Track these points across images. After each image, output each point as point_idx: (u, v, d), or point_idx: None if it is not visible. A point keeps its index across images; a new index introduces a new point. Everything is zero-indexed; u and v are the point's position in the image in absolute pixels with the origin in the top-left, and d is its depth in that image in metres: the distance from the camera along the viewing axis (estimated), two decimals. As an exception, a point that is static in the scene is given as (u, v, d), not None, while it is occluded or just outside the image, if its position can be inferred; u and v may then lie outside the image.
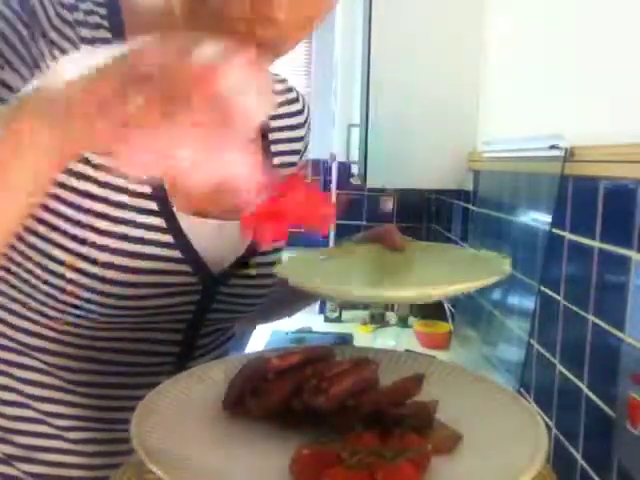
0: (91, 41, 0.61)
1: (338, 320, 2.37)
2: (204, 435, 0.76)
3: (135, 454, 0.74)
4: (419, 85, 1.85)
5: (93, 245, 0.60)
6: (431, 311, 2.19)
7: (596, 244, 0.97)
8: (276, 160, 0.77)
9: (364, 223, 2.59)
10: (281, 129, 0.78)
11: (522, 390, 1.24)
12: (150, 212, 0.63)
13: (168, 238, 0.64)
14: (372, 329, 2.26)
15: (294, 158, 0.80)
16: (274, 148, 0.77)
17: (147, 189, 0.62)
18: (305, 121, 0.82)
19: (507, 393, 0.92)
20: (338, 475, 0.67)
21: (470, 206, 1.84)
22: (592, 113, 1.06)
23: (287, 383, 0.83)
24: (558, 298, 1.11)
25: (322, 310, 2.46)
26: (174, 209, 0.64)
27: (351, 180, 2.47)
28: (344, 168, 2.47)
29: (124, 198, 0.61)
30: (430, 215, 2.54)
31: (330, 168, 3.01)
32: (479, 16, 1.81)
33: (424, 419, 0.81)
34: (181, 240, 0.65)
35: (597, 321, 0.95)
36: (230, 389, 0.88)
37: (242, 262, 0.72)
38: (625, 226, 0.86)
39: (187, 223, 0.66)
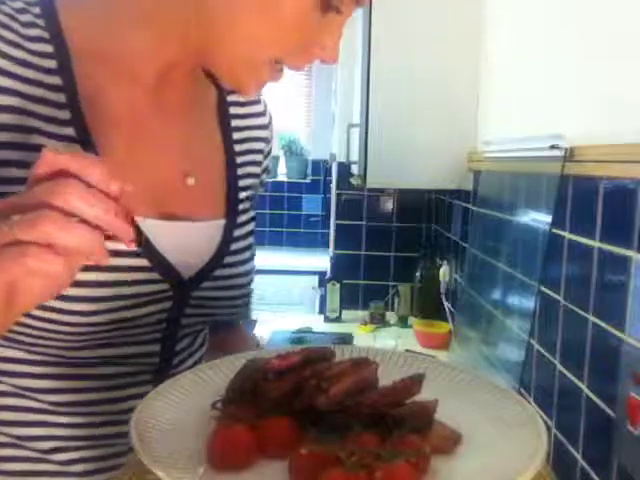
0: (29, 39, 0.60)
1: (338, 320, 2.37)
2: (204, 435, 0.76)
3: (135, 455, 0.74)
4: (419, 85, 1.85)
5: None
6: (431, 311, 2.19)
7: (596, 244, 0.97)
8: (239, 159, 0.77)
9: (364, 223, 2.59)
10: (245, 128, 0.78)
11: (522, 390, 1.24)
12: None
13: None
14: (372, 329, 2.26)
15: (258, 157, 0.80)
16: (238, 148, 0.77)
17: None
18: (269, 122, 0.83)
19: (507, 393, 0.92)
20: (337, 476, 0.67)
21: (470, 206, 1.84)
22: (592, 113, 1.06)
23: (287, 383, 0.83)
24: (558, 298, 1.11)
25: (322, 310, 2.46)
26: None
27: (351, 180, 2.46)
28: (344, 168, 2.47)
29: None
30: (430, 215, 2.54)
31: (330, 168, 3.01)
32: (479, 16, 1.81)
33: (424, 419, 0.81)
34: (147, 246, 0.63)
35: (597, 321, 0.95)
36: (230, 389, 0.88)
37: (213, 264, 0.70)
38: (625, 226, 0.86)
39: (152, 228, 0.63)
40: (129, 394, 0.70)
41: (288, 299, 3.42)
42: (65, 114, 0.61)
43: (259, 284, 3.41)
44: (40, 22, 0.61)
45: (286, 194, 4.07)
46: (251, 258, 0.76)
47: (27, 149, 0.58)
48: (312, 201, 4.05)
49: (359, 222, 2.59)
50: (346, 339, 2.12)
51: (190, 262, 0.67)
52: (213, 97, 0.75)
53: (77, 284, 0.58)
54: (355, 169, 2.11)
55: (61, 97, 0.61)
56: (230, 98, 0.77)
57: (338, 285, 2.37)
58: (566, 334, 1.09)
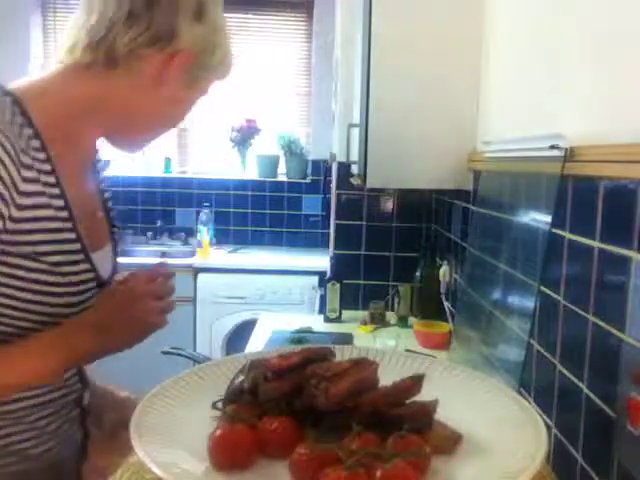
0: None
1: (338, 320, 2.37)
2: (204, 435, 0.76)
3: (135, 454, 0.74)
4: (419, 85, 1.84)
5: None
6: (431, 311, 2.19)
7: (596, 244, 0.97)
8: (107, 201, 1.08)
9: (364, 223, 2.59)
10: (103, 177, 1.10)
11: (522, 390, 1.24)
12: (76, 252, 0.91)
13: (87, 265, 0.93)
14: (372, 329, 2.26)
15: (108, 189, 1.10)
16: (105, 195, 1.08)
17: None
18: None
19: (507, 393, 0.92)
20: (337, 476, 0.67)
21: (470, 206, 1.84)
22: (592, 113, 1.06)
23: (287, 383, 0.83)
24: (558, 298, 1.11)
25: (322, 310, 2.46)
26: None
27: (351, 180, 2.46)
28: (344, 168, 2.47)
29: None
30: (430, 215, 2.54)
31: (330, 168, 3.01)
32: (479, 16, 1.81)
33: (424, 419, 0.81)
34: (93, 265, 0.94)
35: (597, 321, 0.95)
36: (230, 389, 0.88)
37: (113, 272, 1.03)
38: (625, 226, 0.86)
39: (95, 258, 0.95)
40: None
41: (288, 299, 3.42)
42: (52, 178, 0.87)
43: (259, 284, 3.42)
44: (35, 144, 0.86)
45: (286, 194, 4.07)
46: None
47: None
48: (312, 201, 4.05)
49: (359, 222, 2.59)
50: (346, 339, 2.12)
51: (105, 273, 0.99)
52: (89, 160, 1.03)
53: (70, 292, 0.91)
54: (355, 169, 2.11)
55: (51, 178, 0.86)
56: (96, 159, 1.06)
57: (338, 285, 2.37)
58: (566, 334, 1.09)
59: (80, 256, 0.90)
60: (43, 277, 0.85)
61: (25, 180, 0.81)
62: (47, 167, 0.85)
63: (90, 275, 0.93)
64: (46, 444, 0.94)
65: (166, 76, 0.90)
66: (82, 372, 1.01)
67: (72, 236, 0.88)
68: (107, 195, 1.08)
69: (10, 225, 0.80)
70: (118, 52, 0.87)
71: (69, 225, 0.88)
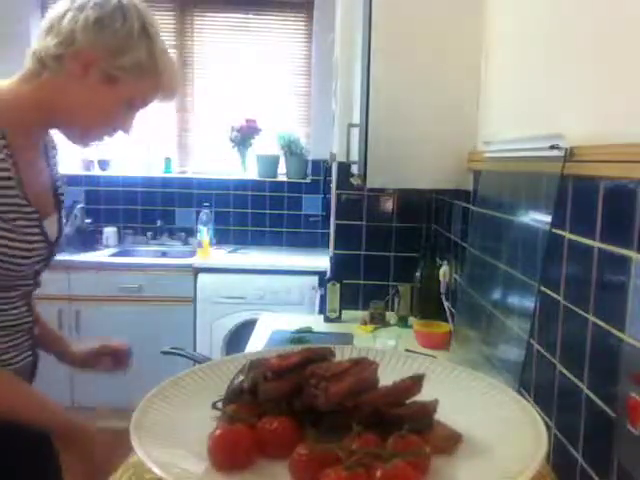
0: None
1: (338, 320, 2.37)
2: (204, 435, 0.76)
3: (135, 454, 0.74)
4: (419, 85, 1.84)
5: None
6: (431, 311, 2.19)
7: (596, 244, 0.97)
8: (54, 168, 1.31)
9: (364, 223, 2.59)
10: (53, 155, 1.33)
11: (522, 390, 1.24)
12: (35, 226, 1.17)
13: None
14: (372, 329, 2.26)
15: (57, 169, 1.33)
16: (54, 170, 1.32)
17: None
18: (56, 148, 1.37)
19: (507, 393, 0.92)
20: (337, 476, 0.67)
21: (470, 206, 1.84)
22: (592, 113, 1.06)
23: (287, 383, 0.83)
24: (558, 298, 1.11)
25: (322, 310, 2.46)
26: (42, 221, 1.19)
27: (351, 180, 2.46)
28: (344, 168, 2.47)
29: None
30: (430, 215, 2.54)
31: (330, 168, 3.01)
32: (479, 16, 1.81)
33: (424, 419, 0.81)
34: (44, 232, 1.20)
35: (597, 321, 0.95)
36: (230, 389, 0.88)
37: (58, 235, 1.28)
38: (625, 226, 0.86)
39: (46, 223, 1.20)
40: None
41: (288, 299, 3.42)
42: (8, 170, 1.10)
43: (259, 284, 3.42)
44: None
45: (286, 194, 4.07)
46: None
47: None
48: (312, 201, 4.05)
49: (359, 222, 2.59)
50: (346, 339, 2.12)
51: (52, 236, 1.24)
52: (42, 146, 1.28)
53: (24, 248, 1.14)
54: (355, 169, 2.11)
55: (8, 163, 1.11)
56: (47, 140, 1.30)
57: (338, 285, 2.37)
58: (566, 334, 1.09)
59: (35, 222, 1.16)
60: (9, 235, 1.10)
61: None
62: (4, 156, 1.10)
63: (41, 237, 1.19)
64: (9, 354, 1.21)
65: (79, 71, 1.13)
66: (31, 309, 1.27)
67: (28, 207, 1.14)
68: (56, 174, 1.32)
69: None
70: (43, 57, 1.13)
71: (24, 201, 1.14)
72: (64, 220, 1.32)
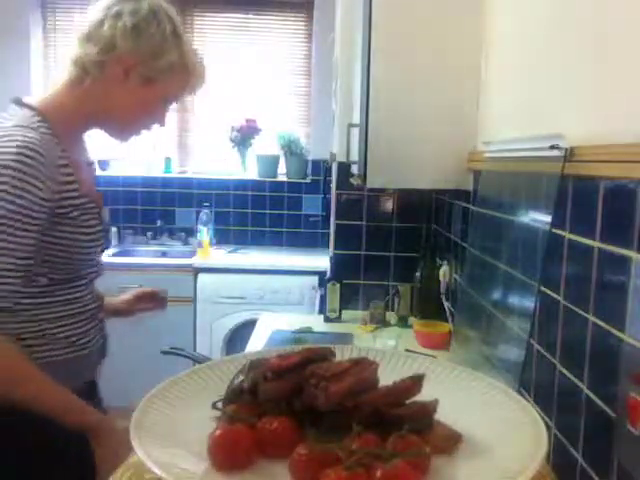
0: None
1: (338, 320, 2.37)
2: (204, 435, 0.76)
3: (135, 454, 0.74)
4: (419, 85, 1.84)
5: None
6: (431, 311, 2.19)
7: (596, 244, 0.97)
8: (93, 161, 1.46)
9: (364, 223, 2.59)
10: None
11: (522, 390, 1.24)
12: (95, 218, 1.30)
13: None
14: (372, 329, 2.26)
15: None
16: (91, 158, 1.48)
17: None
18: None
19: (507, 393, 0.92)
20: (337, 476, 0.67)
21: (470, 206, 1.84)
22: (592, 113, 1.06)
23: (287, 383, 0.83)
24: (558, 298, 1.11)
25: (322, 310, 2.46)
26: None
27: (351, 180, 2.46)
28: (344, 168, 2.47)
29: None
30: (430, 215, 2.54)
31: (330, 168, 3.01)
32: (479, 16, 1.81)
33: (424, 419, 0.81)
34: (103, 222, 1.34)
35: (597, 321, 0.95)
36: (230, 389, 0.88)
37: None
38: (625, 226, 0.86)
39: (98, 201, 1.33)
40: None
41: (288, 299, 3.42)
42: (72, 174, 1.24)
43: (259, 284, 3.42)
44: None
45: (286, 194, 4.07)
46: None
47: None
48: (312, 201, 4.05)
49: (359, 222, 2.59)
50: (346, 339, 2.12)
51: (106, 224, 1.39)
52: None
53: (92, 245, 1.29)
54: (355, 169, 2.11)
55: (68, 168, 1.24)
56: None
57: (338, 285, 2.37)
58: (566, 334, 1.09)
59: (95, 215, 1.29)
60: (78, 230, 1.24)
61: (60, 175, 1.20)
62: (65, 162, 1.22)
63: (100, 227, 1.31)
64: (85, 339, 1.32)
65: (121, 75, 1.24)
66: (95, 294, 1.38)
67: (90, 204, 1.27)
68: (94, 167, 1.47)
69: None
70: (85, 64, 1.23)
71: (86, 199, 1.26)
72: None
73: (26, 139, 1.14)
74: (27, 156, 1.12)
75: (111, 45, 1.22)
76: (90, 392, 1.37)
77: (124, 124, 1.32)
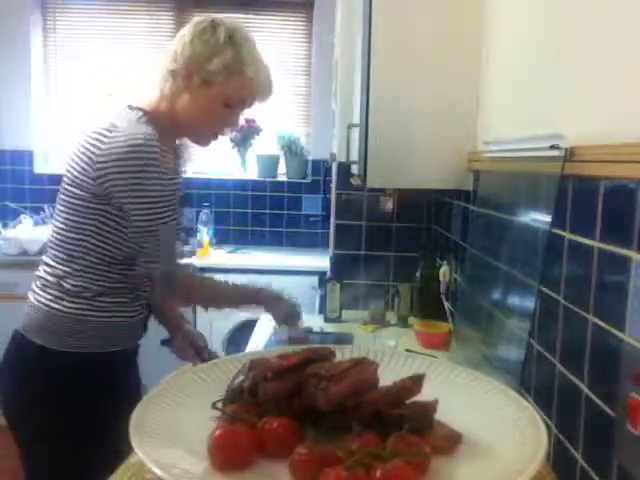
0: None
1: (338, 320, 2.37)
2: (204, 435, 0.76)
3: (135, 454, 0.74)
4: (419, 85, 1.84)
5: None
6: (431, 311, 2.19)
7: (596, 244, 0.97)
8: (181, 168, 1.65)
9: (364, 223, 2.59)
10: (186, 158, 1.70)
11: (522, 390, 1.24)
12: None
13: None
14: (372, 329, 2.26)
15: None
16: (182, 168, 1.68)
17: None
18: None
19: (507, 393, 0.92)
20: (337, 476, 0.67)
21: (470, 206, 1.84)
22: (592, 113, 1.06)
23: (287, 383, 0.83)
24: (558, 298, 1.11)
25: (322, 310, 2.46)
26: None
27: (351, 180, 2.46)
28: (344, 168, 2.47)
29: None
30: (430, 215, 2.54)
31: (330, 168, 3.01)
32: (479, 16, 1.81)
33: (424, 419, 0.81)
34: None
35: (597, 321, 0.95)
36: (230, 389, 0.88)
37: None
38: (625, 226, 0.86)
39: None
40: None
41: (288, 299, 3.42)
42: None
43: (259, 284, 3.41)
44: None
45: (286, 194, 4.07)
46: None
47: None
48: (312, 201, 4.05)
49: (359, 222, 2.59)
50: (346, 339, 2.12)
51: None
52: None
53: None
54: (355, 169, 2.11)
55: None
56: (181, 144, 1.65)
57: (338, 285, 2.37)
58: (566, 334, 1.09)
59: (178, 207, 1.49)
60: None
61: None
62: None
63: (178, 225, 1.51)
64: (133, 311, 1.54)
65: (185, 81, 1.42)
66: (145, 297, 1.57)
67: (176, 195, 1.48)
68: (181, 175, 1.65)
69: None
70: (165, 75, 1.44)
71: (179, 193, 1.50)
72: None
73: (141, 132, 1.35)
74: (152, 146, 1.34)
75: (177, 55, 1.41)
76: (135, 354, 1.64)
77: (193, 127, 1.47)
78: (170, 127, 1.46)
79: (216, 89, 1.41)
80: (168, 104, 1.45)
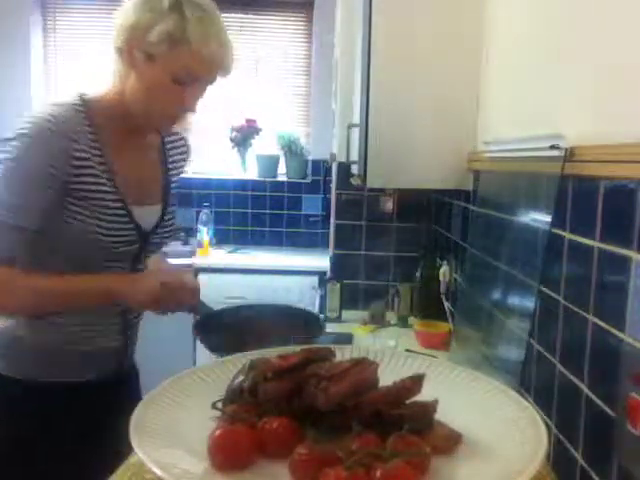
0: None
1: (338, 320, 2.37)
2: (204, 435, 0.76)
3: (135, 454, 0.74)
4: (419, 85, 1.84)
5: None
6: (431, 311, 2.19)
7: (596, 244, 0.97)
8: (170, 173, 1.46)
9: (364, 223, 2.59)
10: (174, 155, 1.49)
11: (522, 390, 1.24)
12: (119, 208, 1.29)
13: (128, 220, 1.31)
14: (372, 329, 2.26)
15: (180, 170, 1.53)
16: (170, 166, 1.48)
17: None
18: (187, 150, 1.58)
19: (507, 393, 0.92)
20: (337, 476, 0.67)
21: (470, 206, 1.84)
22: (592, 113, 1.06)
23: (287, 383, 0.83)
24: (558, 298, 1.11)
25: (322, 310, 2.46)
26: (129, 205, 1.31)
27: (351, 180, 2.46)
28: (344, 168, 2.47)
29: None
30: (430, 215, 2.54)
31: (330, 168, 3.01)
32: (479, 16, 1.81)
33: (424, 419, 0.81)
34: (132, 217, 1.31)
35: (597, 321, 0.95)
36: (230, 389, 0.88)
37: (157, 225, 1.39)
38: (625, 226, 0.86)
39: (135, 211, 1.32)
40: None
41: (288, 299, 3.42)
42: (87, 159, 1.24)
43: (259, 284, 3.42)
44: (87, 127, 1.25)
45: (286, 194, 4.07)
46: (171, 224, 1.45)
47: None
48: (312, 201, 4.05)
49: (359, 222, 2.59)
50: (346, 339, 2.12)
51: (149, 224, 1.36)
52: (158, 142, 1.45)
53: (105, 233, 1.26)
54: (355, 169, 2.11)
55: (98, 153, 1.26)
56: (166, 141, 1.47)
57: (338, 285, 2.37)
58: (566, 334, 1.09)
59: (118, 204, 1.27)
60: (84, 212, 1.23)
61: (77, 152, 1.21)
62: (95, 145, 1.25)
63: (126, 219, 1.29)
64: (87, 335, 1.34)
65: (128, 56, 1.22)
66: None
67: (112, 194, 1.26)
68: (173, 171, 1.47)
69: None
70: (113, 54, 1.27)
71: (108, 187, 1.26)
72: (169, 213, 1.42)
73: (46, 111, 1.20)
74: (39, 125, 1.18)
75: (119, 30, 1.22)
76: (91, 391, 1.34)
77: (145, 111, 1.26)
78: (122, 114, 1.27)
79: (160, 63, 1.20)
80: (119, 88, 1.27)
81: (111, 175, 1.26)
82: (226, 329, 1.33)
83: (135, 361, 1.52)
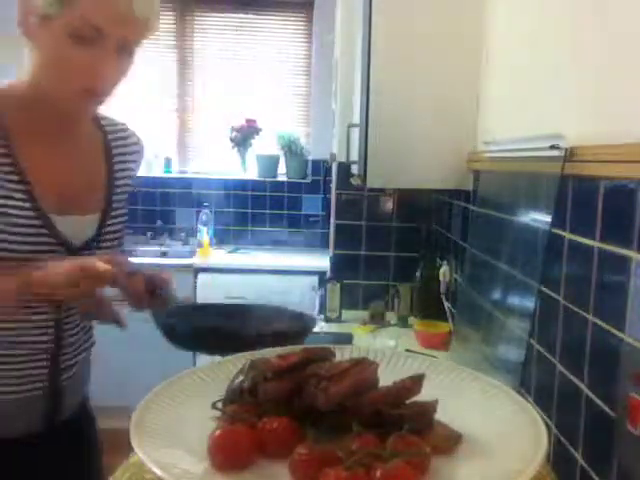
0: None
1: (338, 320, 2.37)
2: (204, 435, 0.76)
3: (135, 454, 0.74)
4: (419, 85, 1.84)
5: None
6: (431, 311, 2.19)
7: (596, 244, 0.97)
8: (116, 175, 1.22)
9: (364, 223, 2.59)
10: (121, 154, 1.25)
11: (522, 390, 1.24)
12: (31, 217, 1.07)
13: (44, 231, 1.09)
14: (372, 329, 2.26)
15: (131, 172, 1.27)
16: (116, 167, 1.23)
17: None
18: (140, 149, 1.30)
19: (507, 393, 0.92)
20: (337, 476, 0.67)
21: (470, 206, 1.84)
22: (592, 113, 1.06)
23: (287, 383, 0.83)
24: (558, 298, 1.11)
25: (322, 310, 2.46)
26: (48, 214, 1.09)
27: (351, 180, 2.46)
28: (344, 168, 2.47)
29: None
30: (430, 215, 2.54)
31: (330, 168, 3.01)
32: (479, 16, 1.81)
33: (424, 419, 0.81)
34: (53, 230, 1.09)
35: (597, 321, 0.95)
36: (230, 389, 0.88)
37: (93, 239, 1.16)
38: (625, 226, 0.86)
39: (57, 221, 1.10)
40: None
41: (288, 299, 3.42)
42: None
43: (259, 284, 3.42)
44: None
45: (286, 194, 4.07)
46: (117, 237, 1.21)
47: None
48: (312, 201, 4.05)
49: (359, 222, 2.59)
50: (346, 339, 2.12)
51: (79, 238, 1.14)
52: (100, 137, 1.22)
53: (16, 249, 1.05)
54: (355, 169, 2.11)
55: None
56: (111, 137, 1.23)
57: (338, 285, 2.37)
58: (566, 334, 1.09)
59: (29, 211, 1.06)
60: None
61: None
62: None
63: (44, 231, 1.08)
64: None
65: (24, 25, 1.07)
66: (58, 328, 1.16)
67: (25, 203, 1.06)
68: (120, 172, 1.23)
69: None
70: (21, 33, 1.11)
71: (19, 194, 1.06)
72: (112, 225, 1.19)
73: None
74: None
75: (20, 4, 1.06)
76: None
77: (52, 86, 1.06)
78: (34, 99, 1.09)
79: (57, 21, 1.01)
80: (28, 70, 1.09)
81: (22, 178, 1.06)
82: (194, 325, 1.24)
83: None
